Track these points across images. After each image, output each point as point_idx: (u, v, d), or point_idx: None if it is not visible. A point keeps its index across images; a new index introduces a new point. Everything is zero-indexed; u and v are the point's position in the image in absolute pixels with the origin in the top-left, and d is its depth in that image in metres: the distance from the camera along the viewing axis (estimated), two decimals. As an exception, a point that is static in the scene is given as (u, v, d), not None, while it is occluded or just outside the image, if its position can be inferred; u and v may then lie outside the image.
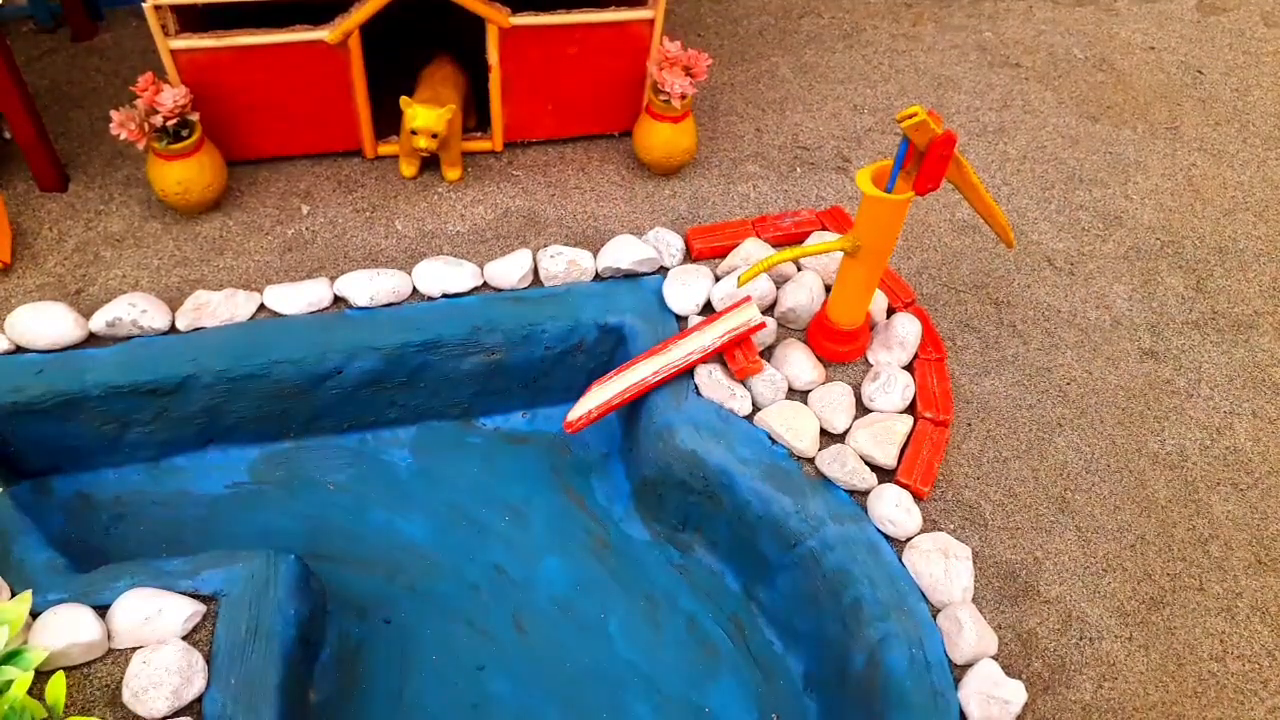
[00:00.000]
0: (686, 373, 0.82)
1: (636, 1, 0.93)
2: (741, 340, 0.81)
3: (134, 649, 0.63)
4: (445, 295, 0.87)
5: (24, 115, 0.86)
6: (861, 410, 0.81)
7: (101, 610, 0.65)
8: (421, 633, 0.79)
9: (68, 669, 0.62)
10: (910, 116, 0.63)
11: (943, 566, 0.71)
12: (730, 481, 0.77)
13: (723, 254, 0.91)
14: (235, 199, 0.94)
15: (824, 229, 0.95)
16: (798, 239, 0.94)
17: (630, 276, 0.90)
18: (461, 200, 0.96)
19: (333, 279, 0.86)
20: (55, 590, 0.66)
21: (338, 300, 0.86)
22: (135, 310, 0.81)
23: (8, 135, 0.94)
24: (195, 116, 0.86)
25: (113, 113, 0.83)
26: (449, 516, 0.87)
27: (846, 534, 0.74)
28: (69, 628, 0.62)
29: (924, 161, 0.65)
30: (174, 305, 0.83)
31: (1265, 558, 0.76)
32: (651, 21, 0.94)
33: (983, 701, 0.66)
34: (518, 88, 0.96)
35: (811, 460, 0.78)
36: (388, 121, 0.96)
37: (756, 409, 0.81)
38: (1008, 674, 0.68)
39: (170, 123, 0.84)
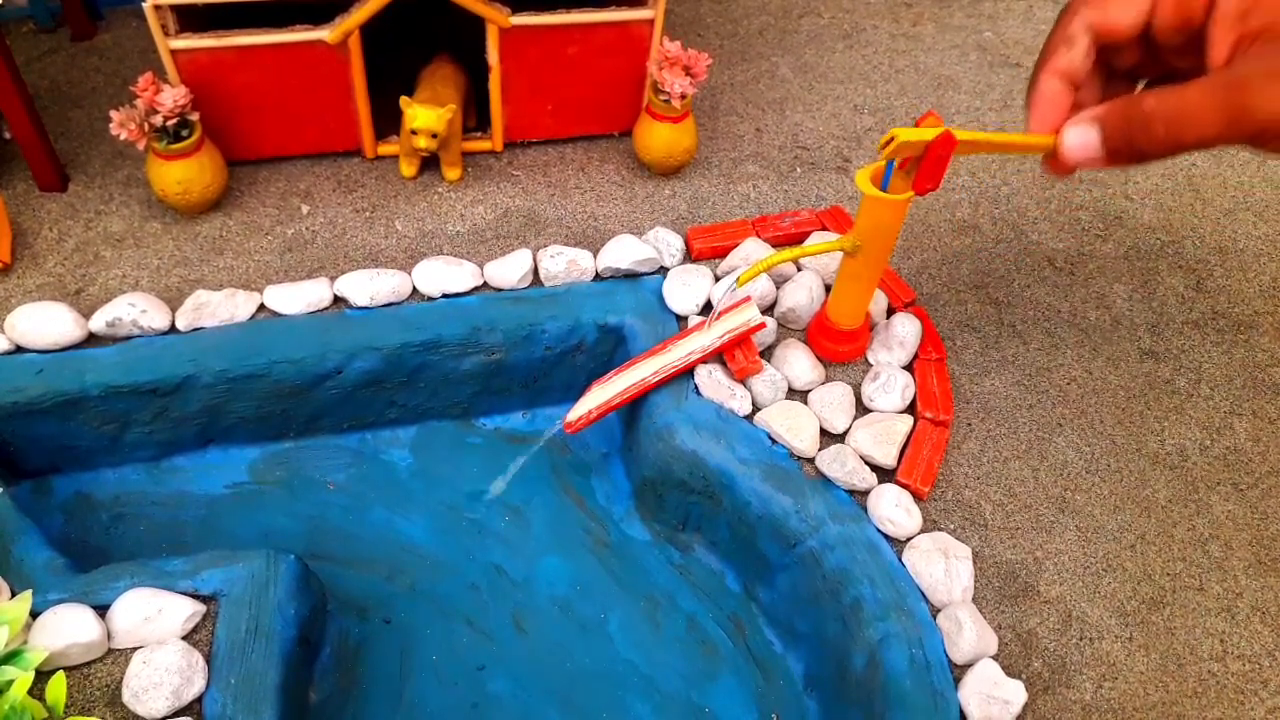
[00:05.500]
0: (686, 373, 0.82)
1: (636, 1, 0.93)
2: (741, 340, 0.80)
3: (134, 649, 0.63)
4: (445, 295, 0.87)
5: (24, 115, 0.86)
6: (861, 410, 0.81)
7: (101, 610, 0.64)
8: (421, 633, 0.79)
9: (68, 669, 0.62)
10: (888, 143, 0.62)
11: (943, 566, 0.71)
12: (730, 481, 0.77)
13: (723, 254, 0.91)
14: (235, 199, 0.94)
15: (824, 229, 0.95)
16: (798, 239, 0.94)
17: (630, 276, 0.90)
18: (461, 200, 0.96)
19: (333, 279, 0.86)
20: (55, 590, 0.66)
21: (338, 300, 0.86)
22: (135, 310, 0.81)
23: (8, 135, 0.94)
24: (195, 116, 0.86)
25: (112, 113, 0.82)
26: (449, 516, 0.86)
27: (846, 534, 0.74)
28: (69, 628, 0.62)
29: (922, 162, 0.65)
30: (174, 305, 0.83)
31: (1265, 558, 0.76)
32: (651, 21, 0.94)
33: (983, 701, 0.65)
34: (518, 88, 0.96)
35: (811, 460, 0.78)
36: (388, 121, 0.96)
37: (756, 409, 0.81)
38: (1008, 674, 0.67)
39: (170, 123, 0.84)
